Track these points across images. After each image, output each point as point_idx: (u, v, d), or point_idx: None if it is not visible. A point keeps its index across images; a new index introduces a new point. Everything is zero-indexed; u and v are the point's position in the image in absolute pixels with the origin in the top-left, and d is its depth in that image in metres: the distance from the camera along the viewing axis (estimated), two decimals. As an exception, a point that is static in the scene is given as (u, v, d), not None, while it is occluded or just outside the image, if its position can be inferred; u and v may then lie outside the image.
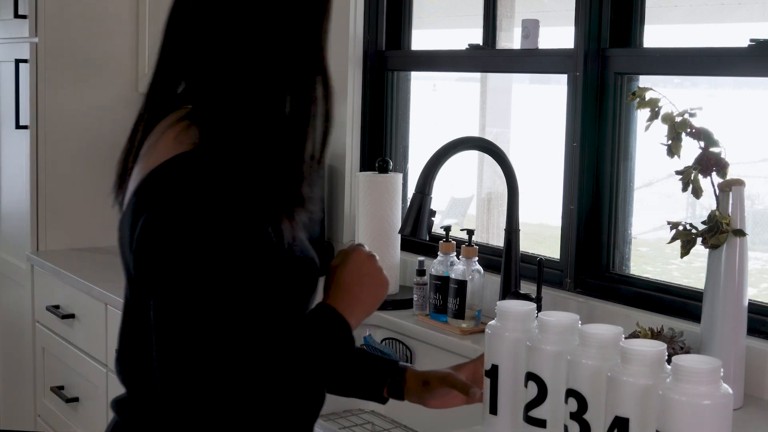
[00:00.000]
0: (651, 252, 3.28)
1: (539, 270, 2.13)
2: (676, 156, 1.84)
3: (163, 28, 1.38)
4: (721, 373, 1.28)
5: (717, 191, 1.82)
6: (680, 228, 1.85)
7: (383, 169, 2.57)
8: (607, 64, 2.27)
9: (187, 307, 1.22)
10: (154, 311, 1.25)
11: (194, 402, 1.22)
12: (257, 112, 1.29)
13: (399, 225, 2.46)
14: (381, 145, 2.94)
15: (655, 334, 1.91)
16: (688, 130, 1.83)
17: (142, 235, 1.27)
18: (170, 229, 1.24)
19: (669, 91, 1.86)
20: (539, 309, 2.09)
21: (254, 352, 1.24)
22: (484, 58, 2.65)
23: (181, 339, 1.22)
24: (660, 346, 1.37)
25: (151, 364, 1.28)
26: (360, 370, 1.62)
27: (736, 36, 2.04)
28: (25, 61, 3.24)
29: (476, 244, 2.33)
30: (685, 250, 1.84)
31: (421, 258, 2.47)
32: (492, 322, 1.55)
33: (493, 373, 1.53)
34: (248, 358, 1.24)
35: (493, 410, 1.54)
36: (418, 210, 2.04)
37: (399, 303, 2.48)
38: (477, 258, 2.31)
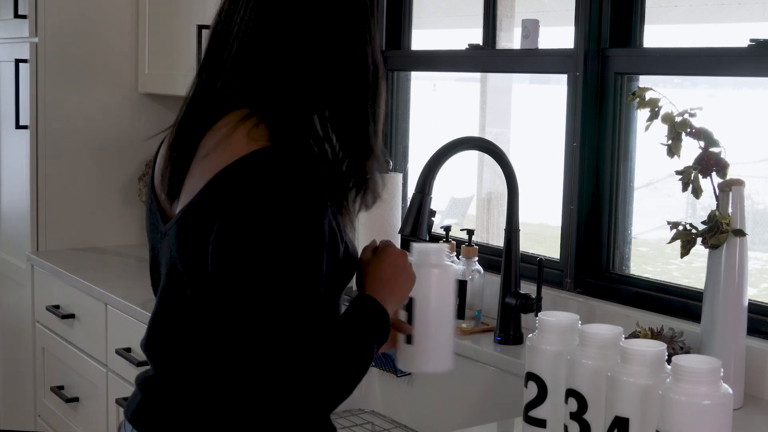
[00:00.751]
0: (651, 252, 3.27)
1: (539, 270, 2.13)
2: (676, 156, 1.84)
3: (210, 32, 1.47)
4: (721, 373, 1.28)
5: (717, 191, 1.82)
6: (680, 228, 1.85)
7: (383, 169, 2.57)
8: (607, 64, 2.27)
9: (269, 294, 1.31)
10: (236, 296, 1.33)
11: (275, 377, 1.31)
12: (322, 112, 1.42)
13: (399, 225, 2.46)
14: (381, 145, 2.94)
15: (655, 334, 1.91)
16: (688, 130, 1.83)
17: (226, 228, 1.33)
18: (255, 223, 1.32)
19: (669, 91, 1.85)
20: (539, 309, 2.10)
21: (318, 335, 1.33)
22: (484, 58, 2.65)
23: (263, 323, 1.31)
24: (660, 346, 1.37)
25: (182, 345, 1.43)
26: None
27: (736, 36, 2.04)
28: (25, 61, 3.24)
29: (476, 244, 2.33)
30: (685, 250, 1.84)
31: (421, 258, 2.46)
32: (412, 258, 1.62)
33: (409, 306, 1.62)
34: (314, 339, 1.32)
35: (409, 340, 1.64)
36: (418, 210, 2.04)
37: (399, 303, 2.47)
38: (477, 258, 2.31)
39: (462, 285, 2.27)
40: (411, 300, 1.66)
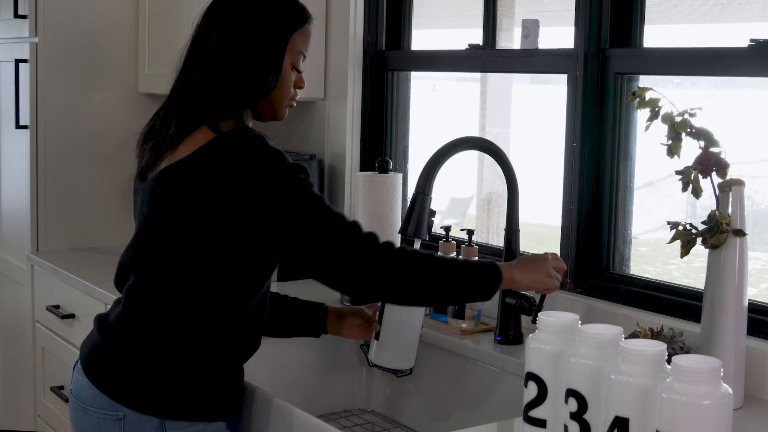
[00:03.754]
0: (651, 252, 3.28)
1: (539, 270, 2.13)
2: (676, 156, 1.84)
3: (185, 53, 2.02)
4: (721, 373, 1.28)
5: (717, 191, 1.82)
6: (680, 228, 1.85)
7: (383, 169, 2.57)
8: (607, 64, 2.27)
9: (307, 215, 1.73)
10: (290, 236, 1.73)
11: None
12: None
13: (399, 225, 2.46)
14: (381, 145, 2.95)
15: (655, 334, 1.91)
16: (688, 130, 1.83)
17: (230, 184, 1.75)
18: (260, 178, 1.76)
19: (669, 91, 1.85)
20: (539, 309, 2.09)
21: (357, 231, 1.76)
22: (484, 58, 2.65)
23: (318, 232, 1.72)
24: (660, 346, 1.37)
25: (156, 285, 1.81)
26: (297, 314, 2.09)
27: (736, 36, 2.04)
28: (25, 61, 3.24)
29: (476, 244, 2.33)
30: (685, 250, 1.84)
31: (421, 258, 2.46)
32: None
33: (382, 309, 2.06)
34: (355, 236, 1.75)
35: (377, 336, 2.06)
36: (419, 210, 2.04)
37: (399, 303, 2.47)
38: (477, 258, 2.31)
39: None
40: (383, 305, 2.05)
